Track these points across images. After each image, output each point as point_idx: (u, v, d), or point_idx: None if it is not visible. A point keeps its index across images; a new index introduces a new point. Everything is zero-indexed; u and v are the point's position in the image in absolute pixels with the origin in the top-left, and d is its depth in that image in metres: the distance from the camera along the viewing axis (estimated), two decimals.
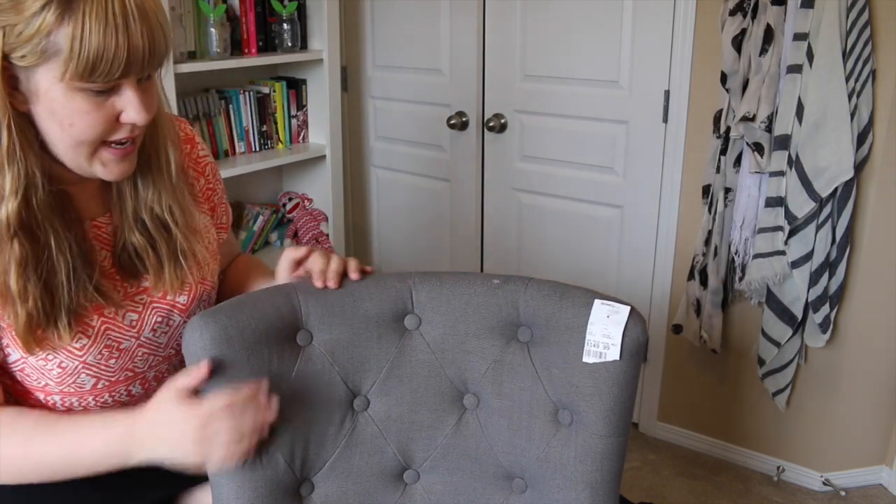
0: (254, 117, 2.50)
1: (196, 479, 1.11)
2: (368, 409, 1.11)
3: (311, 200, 2.76)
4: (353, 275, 1.09)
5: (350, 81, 2.79)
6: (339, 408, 1.09)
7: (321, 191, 2.72)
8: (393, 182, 2.83)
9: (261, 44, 2.43)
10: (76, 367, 0.99)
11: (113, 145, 0.91)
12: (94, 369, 1.01)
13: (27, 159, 0.87)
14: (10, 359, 0.98)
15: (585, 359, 1.03)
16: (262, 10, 2.42)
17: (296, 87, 2.59)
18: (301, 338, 1.06)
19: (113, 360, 1.02)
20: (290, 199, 2.76)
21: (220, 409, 0.93)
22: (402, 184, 2.81)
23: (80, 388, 1.02)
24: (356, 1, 2.67)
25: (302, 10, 2.50)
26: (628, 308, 1.03)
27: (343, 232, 2.80)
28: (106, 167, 0.92)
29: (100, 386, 1.03)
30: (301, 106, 2.63)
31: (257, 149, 2.54)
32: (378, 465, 1.12)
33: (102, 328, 0.99)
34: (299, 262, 1.10)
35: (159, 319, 1.05)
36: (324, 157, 2.64)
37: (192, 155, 1.14)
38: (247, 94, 2.46)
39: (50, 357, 0.97)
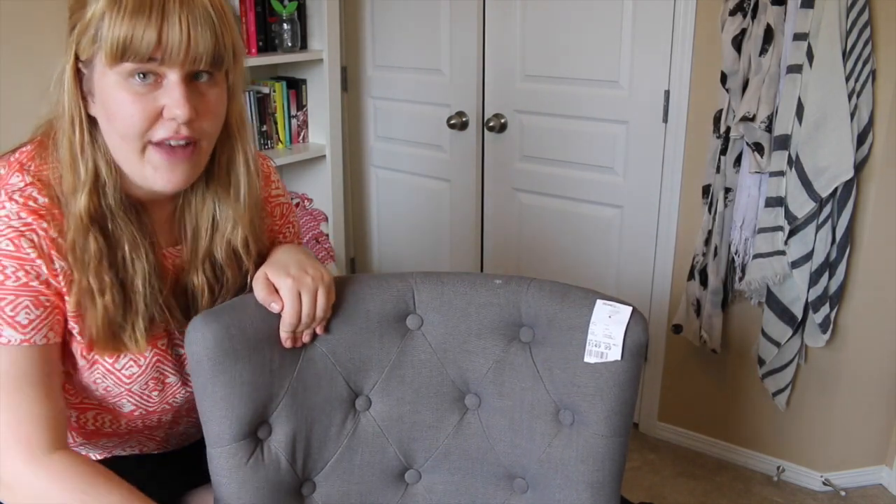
0: (254, 117, 2.49)
1: (198, 479, 1.11)
2: (370, 408, 1.11)
3: (311, 200, 2.76)
4: (318, 329, 1.05)
5: (350, 81, 2.79)
6: (340, 407, 1.09)
7: (321, 191, 2.72)
8: (393, 182, 2.83)
9: (261, 44, 2.43)
10: (120, 393, 1.00)
11: (158, 145, 0.89)
12: (137, 398, 1.02)
13: (97, 156, 0.89)
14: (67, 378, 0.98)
15: (587, 359, 1.03)
16: (262, 10, 2.41)
17: (296, 87, 2.59)
18: None
19: (156, 393, 1.03)
20: (290, 199, 2.76)
21: None
22: (402, 184, 2.81)
23: (118, 409, 1.03)
24: (356, 1, 2.67)
25: (302, 10, 2.50)
26: (630, 308, 1.03)
27: (343, 232, 2.80)
28: (156, 171, 0.90)
29: (136, 413, 1.05)
30: (301, 106, 2.63)
31: (257, 149, 2.53)
32: (379, 465, 1.12)
33: (154, 359, 1.00)
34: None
35: None
36: (324, 157, 2.64)
37: (264, 193, 1.10)
38: (247, 94, 2.45)
39: (98, 381, 0.98)
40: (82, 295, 0.90)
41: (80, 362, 0.96)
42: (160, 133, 0.88)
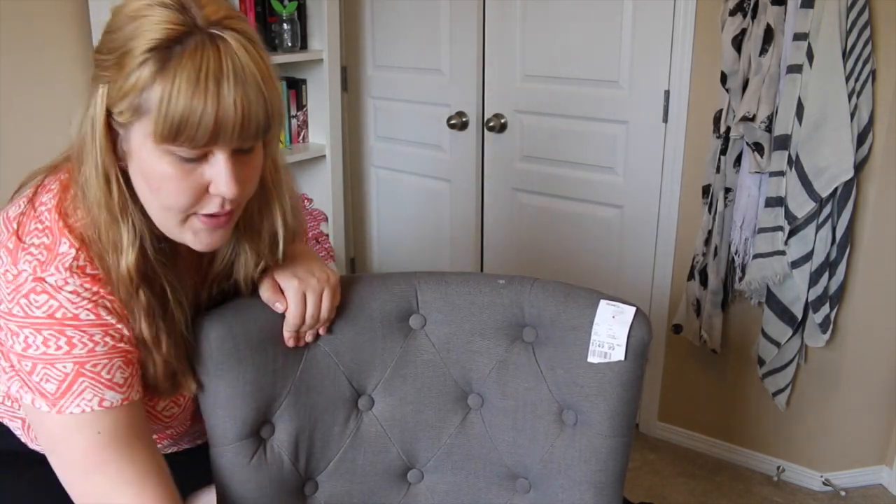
0: None
1: (200, 480, 1.11)
2: (373, 408, 1.11)
3: (311, 200, 2.76)
4: (321, 330, 1.05)
5: (350, 81, 2.79)
6: (343, 407, 1.09)
7: (321, 191, 2.71)
8: (393, 182, 2.83)
9: None
10: (157, 428, 1.01)
11: (205, 215, 0.86)
12: (170, 431, 1.04)
13: (137, 213, 0.86)
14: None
15: (590, 359, 1.03)
16: (262, 10, 2.41)
17: (296, 87, 2.59)
18: None
19: (189, 422, 1.05)
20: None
21: None
22: (402, 184, 2.80)
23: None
24: (356, 1, 2.67)
25: (302, 10, 2.50)
26: (633, 309, 1.03)
27: (343, 232, 2.80)
28: (196, 236, 0.87)
29: (163, 443, 1.06)
30: (301, 106, 2.62)
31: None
32: (382, 465, 1.12)
33: (188, 400, 1.01)
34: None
35: None
36: (324, 157, 2.64)
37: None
38: None
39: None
40: (140, 347, 0.90)
41: None
42: (206, 209, 0.85)
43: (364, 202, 2.95)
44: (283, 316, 1.01)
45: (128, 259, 0.85)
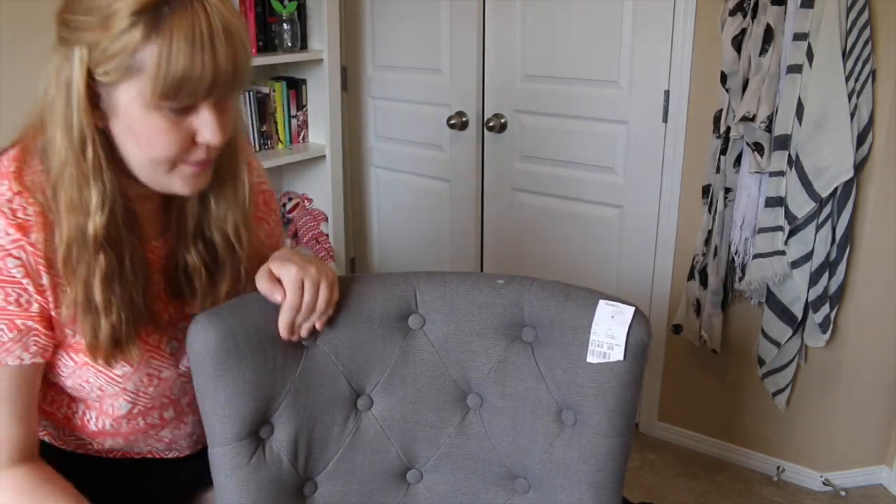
0: (254, 117, 2.49)
1: (201, 482, 1.11)
2: (372, 408, 1.11)
3: (311, 200, 2.76)
4: (318, 324, 1.03)
5: (350, 81, 2.79)
6: (342, 407, 1.09)
7: (321, 191, 2.72)
8: (393, 182, 2.83)
9: (261, 44, 2.43)
10: (115, 392, 0.99)
11: (191, 161, 0.89)
12: (132, 395, 1.01)
13: (110, 174, 0.87)
14: (51, 377, 0.98)
15: (590, 359, 1.03)
16: (262, 10, 2.41)
17: (296, 87, 2.59)
18: None
19: (152, 388, 1.02)
20: (290, 199, 2.76)
21: None
22: (402, 184, 2.81)
23: (117, 411, 1.02)
24: (356, 1, 2.67)
25: (302, 10, 2.50)
26: (633, 309, 1.03)
27: (343, 232, 2.80)
28: (185, 182, 0.90)
29: (135, 411, 1.04)
30: (301, 106, 2.63)
31: (257, 149, 2.53)
32: (381, 465, 1.12)
33: (146, 356, 0.99)
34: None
35: None
36: (324, 157, 2.64)
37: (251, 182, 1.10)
38: (247, 94, 2.46)
39: (91, 380, 0.97)
40: (79, 308, 0.89)
41: (69, 364, 0.95)
42: (195, 157, 0.88)
43: (364, 202, 2.95)
44: (277, 317, 1.00)
45: (96, 221, 0.86)
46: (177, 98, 0.81)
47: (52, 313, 0.90)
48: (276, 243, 1.17)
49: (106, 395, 0.99)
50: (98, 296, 0.88)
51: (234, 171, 0.99)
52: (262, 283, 0.99)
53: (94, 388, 0.98)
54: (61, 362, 0.95)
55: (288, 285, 0.97)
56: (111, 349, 0.92)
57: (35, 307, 0.89)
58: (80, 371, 0.96)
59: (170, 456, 1.14)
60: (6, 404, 0.91)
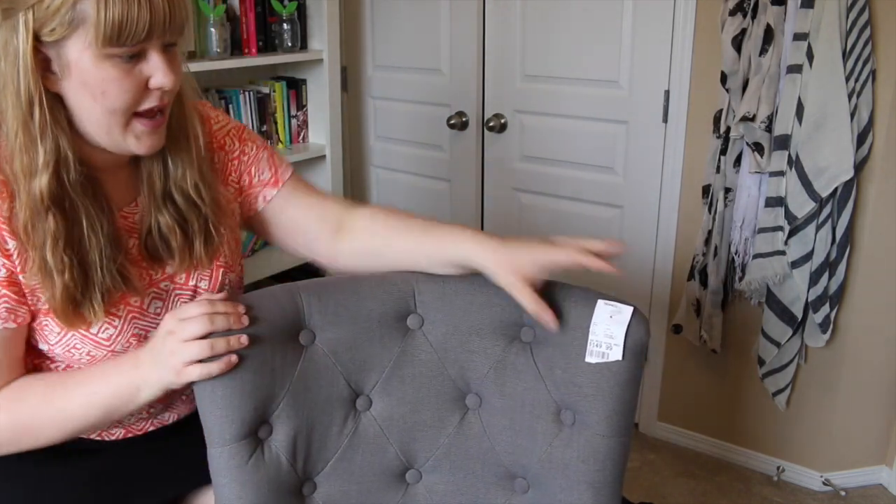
0: (254, 117, 2.49)
1: (200, 480, 1.11)
2: (371, 408, 1.11)
3: None
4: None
5: (350, 81, 2.79)
6: (341, 407, 1.09)
7: None
8: (393, 182, 2.83)
9: (261, 44, 2.43)
10: (104, 356, 1.00)
11: (144, 116, 0.92)
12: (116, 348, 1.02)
13: (59, 135, 0.89)
14: (42, 345, 0.99)
15: (588, 359, 1.03)
16: (262, 10, 2.41)
17: (296, 87, 2.59)
18: (304, 337, 1.06)
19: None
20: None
21: (190, 309, 0.95)
22: (402, 184, 2.81)
23: None
24: (356, 1, 2.67)
25: (302, 10, 2.50)
26: (631, 308, 1.03)
27: None
28: (139, 140, 0.93)
29: (157, 407, 1.05)
30: (301, 106, 2.63)
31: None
32: (380, 465, 1.12)
33: (129, 317, 1.00)
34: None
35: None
36: (324, 157, 2.64)
37: (207, 137, 1.10)
38: (247, 94, 2.46)
39: (78, 346, 0.98)
40: (39, 272, 0.92)
41: (56, 330, 0.97)
42: (148, 104, 0.91)
43: (364, 202, 2.95)
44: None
45: (41, 180, 0.89)
46: (120, 41, 0.84)
47: (21, 278, 0.93)
48: (274, 160, 1.15)
49: (96, 361, 1.00)
50: (49, 256, 0.90)
51: (185, 129, 1.01)
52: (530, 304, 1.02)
53: (83, 354, 0.99)
54: (47, 329, 0.97)
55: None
56: (66, 312, 0.94)
57: (2, 272, 0.92)
58: (66, 339, 0.98)
59: (169, 421, 1.14)
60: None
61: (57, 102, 0.89)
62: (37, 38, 0.84)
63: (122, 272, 0.97)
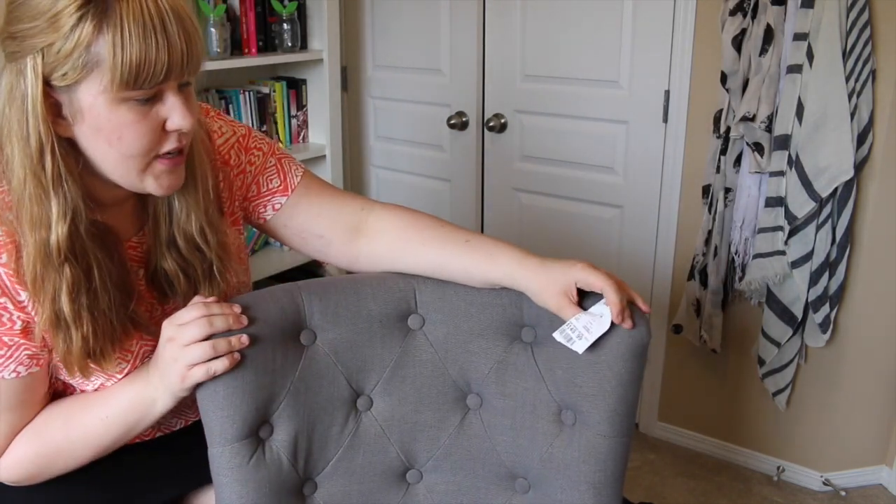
0: (254, 117, 2.49)
1: (200, 480, 1.11)
2: (371, 408, 1.11)
3: None
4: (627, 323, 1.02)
5: (350, 81, 2.79)
6: (342, 407, 1.09)
7: None
8: (393, 182, 2.83)
9: (261, 44, 2.43)
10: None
11: (163, 156, 0.89)
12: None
13: (72, 185, 0.85)
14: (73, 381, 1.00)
15: (554, 335, 1.02)
16: (262, 10, 2.41)
17: (296, 87, 2.59)
18: (305, 337, 1.06)
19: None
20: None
21: (186, 314, 0.94)
22: (402, 184, 2.81)
23: None
24: (356, 1, 2.67)
25: (302, 10, 2.50)
26: (610, 323, 1.02)
27: None
28: (158, 179, 0.90)
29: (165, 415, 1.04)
30: (301, 106, 2.63)
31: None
32: (381, 465, 1.12)
33: (141, 351, 1.00)
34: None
35: None
36: (324, 157, 2.64)
37: (211, 156, 1.08)
38: (247, 94, 2.46)
39: (93, 378, 0.98)
40: (50, 326, 0.89)
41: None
42: (168, 146, 0.88)
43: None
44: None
45: (58, 232, 0.85)
46: (137, 84, 0.81)
47: (36, 328, 0.91)
48: (283, 166, 1.13)
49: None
50: (66, 308, 0.88)
51: (193, 169, 0.97)
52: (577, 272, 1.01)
53: (97, 384, 1.00)
54: (60, 369, 0.97)
55: (607, 289, 1.00)
56: (84, 362, 0.93)
57: (18, 324, 0.90)
58: (79, 377, 0.97)
59: (176, 427, 1.14)
60: (8, 414, 0.94)
61: (69, 148, 0.85)
62: (47, 83, 0.80)
63: (133, 318, 0.97)
